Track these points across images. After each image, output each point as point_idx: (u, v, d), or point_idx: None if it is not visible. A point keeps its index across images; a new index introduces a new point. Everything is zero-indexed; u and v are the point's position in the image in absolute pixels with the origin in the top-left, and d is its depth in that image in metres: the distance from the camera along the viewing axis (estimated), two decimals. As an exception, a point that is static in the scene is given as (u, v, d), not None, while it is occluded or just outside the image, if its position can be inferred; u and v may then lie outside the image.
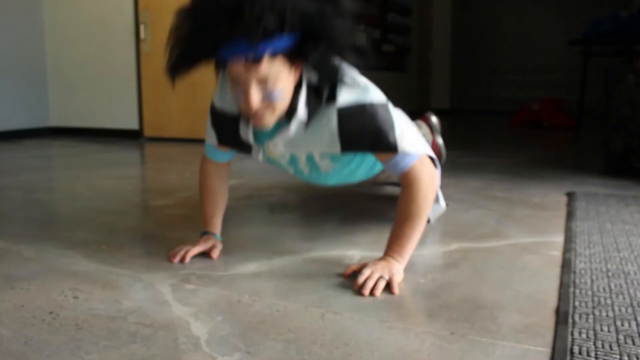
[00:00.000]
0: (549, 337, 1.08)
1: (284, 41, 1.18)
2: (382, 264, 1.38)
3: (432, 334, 1.10)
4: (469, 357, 1.00)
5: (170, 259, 1.54)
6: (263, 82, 1.23)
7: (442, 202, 1.92)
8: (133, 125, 5.13)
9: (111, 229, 1.91)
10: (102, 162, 3.57)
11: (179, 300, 1.27)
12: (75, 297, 1.28)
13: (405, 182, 1.43)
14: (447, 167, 3.36)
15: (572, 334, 1.08)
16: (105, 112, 5.24)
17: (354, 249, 1.66)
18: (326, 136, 1.39)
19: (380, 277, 1.33)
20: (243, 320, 1.16)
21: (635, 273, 1.43)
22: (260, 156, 1.52)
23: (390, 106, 1.45)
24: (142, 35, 4.95)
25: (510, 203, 2.30)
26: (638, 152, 2.87)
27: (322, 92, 1.35)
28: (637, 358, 0.98)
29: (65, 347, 1.04)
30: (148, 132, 5.08)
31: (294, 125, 1.36)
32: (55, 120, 5.45)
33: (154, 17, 4.89)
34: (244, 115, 1.34)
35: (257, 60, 1.18)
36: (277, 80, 1.23)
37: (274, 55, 1.19)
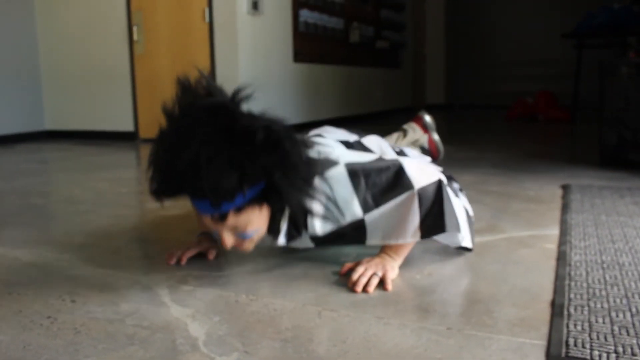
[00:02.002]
0: (544, 329, 1.09)
1: (248, 196, 1.20)
2: (377, 260, 1.39)
3: (429, 329, 1.10)
4: (465, 352, 1.01)
5: (167, 260, 1.54)
6: (234, 228, 1.27)
7: (466, 241, 1.58)
8: (128, 127, 5.13)
9: (108, 231, 1.91)
10: (98, 165, 3.57)
11: (176, 301, 1.27)
12: (73, 301, 1.29)
13: None
14: (442, 162, 3.36)
15: (567, 326, 1.09)
16: (101, 115, 5.24)
17: (350, 246, 1.67)
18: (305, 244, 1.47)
19: (374, 274, 1.34)
20: (240, 320, 1.16)
21: (629, 264, 1.44)
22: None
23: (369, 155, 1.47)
24: (135, 36, 4.95)
25: (505, 197, 2.31)
26: (632, 144, 2.89)
27: (299, 226, 1.40)
28: (632, 349, 0.99)
29: (64, 351, 1.04)
30: (143, 133, 5.07)
31: (276, 244, 1.43)
32: (50, 123, 5.44)
33: (147, 18, 4.89)
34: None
35: (223, 218, 1.23)
36: (247, 224, 1.27)
37: (238, 210, 1.22)
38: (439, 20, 9.18)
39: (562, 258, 1.50)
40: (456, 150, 3.85)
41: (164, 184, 1.21)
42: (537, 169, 2.99)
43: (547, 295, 1.27)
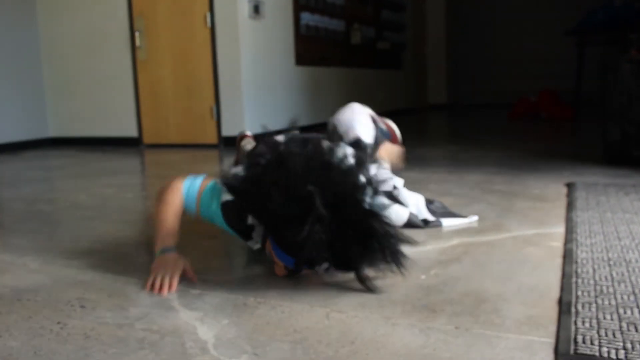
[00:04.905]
0: (552, 327, 1.09)
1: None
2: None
3: (437, 329, 1.11)
4: (473, 351, 1.01)
5: (156, 292, 1.37)
6: None
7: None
8: (132, 132, 5.14)
9: (114, 237, 1.92)
10: (103, 171, 3.58)
11: (185, 305, 1.28)
12: (82, 307, 1.29)
13: None
14: (447, 162, 3.37)
15: (575, 323, 1.09)
16: (104, 121, 5.25)
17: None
18: None
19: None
20: (249, 323, 1.17)
21: (636, 261, 1.44)
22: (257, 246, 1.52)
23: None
24: (137, 42, 4.96)
25: (510, 196, 2.31)
26: (636, 140, 2.88)
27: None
28: (640, 345, 0.99)
29: (75, 356, 1.05)
30: (147, 138, 5.09)
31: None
32: (54, 130, 5.46)
33: (149, 24, 4.91)
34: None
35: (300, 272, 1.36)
36: None
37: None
38: (440, 20, 9.18)
39: (568, 256, 1.50)
40: (460, 150, 3.85)
41: (286, 229, 1.27)
42: (541, 167, 2.98)
43: (555, 293, 1.27)
